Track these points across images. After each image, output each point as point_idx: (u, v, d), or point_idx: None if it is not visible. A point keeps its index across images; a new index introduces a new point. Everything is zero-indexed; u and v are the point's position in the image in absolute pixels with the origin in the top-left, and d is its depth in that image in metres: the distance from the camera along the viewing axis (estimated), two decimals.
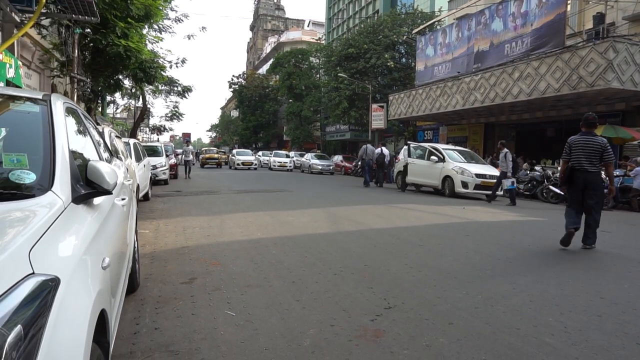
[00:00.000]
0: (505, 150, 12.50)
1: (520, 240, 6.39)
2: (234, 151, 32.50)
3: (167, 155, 16.75)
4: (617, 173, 12.88)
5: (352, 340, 2.71)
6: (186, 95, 24.23)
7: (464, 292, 3.74)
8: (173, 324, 2.90)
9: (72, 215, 1.51)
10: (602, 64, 12.91)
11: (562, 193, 12.72)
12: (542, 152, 18.61)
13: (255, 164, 30.53)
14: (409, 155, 15.70)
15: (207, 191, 12.97)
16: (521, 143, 22.23)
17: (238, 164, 29.37)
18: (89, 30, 10.78)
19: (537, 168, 15.22)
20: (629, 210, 11.92)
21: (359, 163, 21.70)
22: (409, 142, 17.64)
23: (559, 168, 8.50)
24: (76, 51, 10.26)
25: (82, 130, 2.54)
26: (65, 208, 1.48)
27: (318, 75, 41.51)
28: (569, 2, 16.53)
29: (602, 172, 6.30)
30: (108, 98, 22.66)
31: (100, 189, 1.79)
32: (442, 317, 3.14)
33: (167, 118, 29.57)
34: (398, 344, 2.68)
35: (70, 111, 2.31)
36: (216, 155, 32.11)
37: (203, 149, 40.07)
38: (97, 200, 1.91)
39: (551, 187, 13.31)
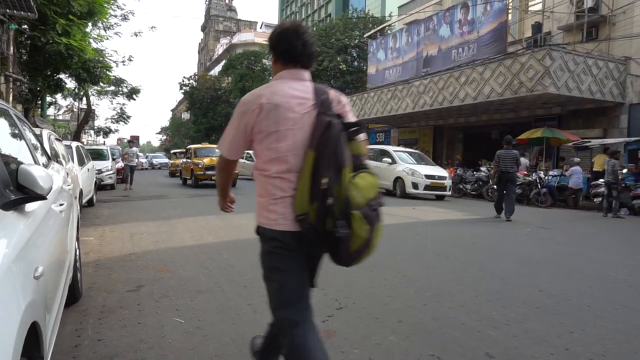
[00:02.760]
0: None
1: (466, 239, 6.65)
2: None
3: (113, 159, 16.07)
4: (555, 173, 13.71)
5: None
6: (134, 97, 23.38)
7: (413, 290, 3.84)
8: (118, 335, 2.78)
9: None
10: (540, 70, 13.69)
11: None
12: (488, 153, 19.47)
13: None
14: None
15: (156, 195, 12.57)
16: (468, 145, 23.17)
17: None
18: (26, 26, 10.18)
19: (482, 169, 15.90)
20: (565, 208, 12.70)
21: None
22: None
23: (492, 171, 11.76)
24: (11, 48, 9.65)
25: (15, 133, 2.39)
26: None
27: (271, 78, 41.25)
28: (509, 11, 17.43)
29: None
30: (49, 99, 21.44)
31: (33, 194, 1.68)
32: (392, 315, 3.20)
33: (114, 120, 28.41)
34: (349, 343, 2.71)
35: None
36: None
37: (192, 147, 18.46)
38: (31, 207, 1.80)
39: (495, 187, 13.92)
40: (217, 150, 16.27)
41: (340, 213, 1.56)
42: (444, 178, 13.77)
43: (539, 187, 12.95)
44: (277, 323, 1.78)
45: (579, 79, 14.13)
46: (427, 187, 13.40)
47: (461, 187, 15.69)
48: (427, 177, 13.46)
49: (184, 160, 18.31)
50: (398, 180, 13.98)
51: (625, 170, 12.19)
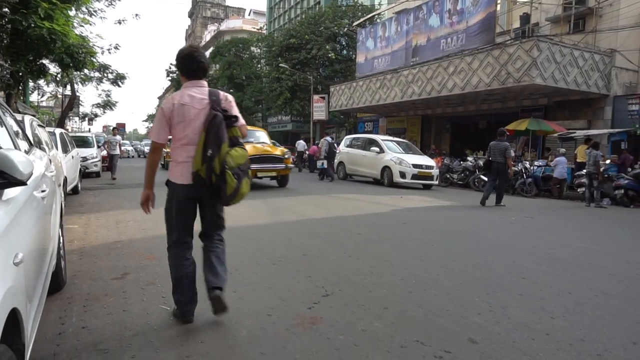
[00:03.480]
0: (327, 138, 15.87)
1: (452, 227, 6.72)
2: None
3: (99, 146, 15.83)
4: (540, 163, 13.88)
5: (289, 328, 2.73)
6: (119, 83, 22.91)
7: (399, 278, 3.88)
8: (102, 322, 2.76)
9: None
10: (527, 61, 13.78)
11: None
12: (475, 143, 19.61)
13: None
14: (349, 146, 16.03)
15: (142, 183, 12.42)
16: (455, 135, 23.32)
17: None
18: (6, 9, 9.89)
19: (469, 158, 16.02)
20: (550, 198, 12.89)
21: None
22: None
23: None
24: None
25: None
26: None
27: (259, 65, 40.92)
28: (498, 1, 17.46)
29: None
30: (31, 84, 20.92)
31: (12, 180, 1.65)
32: (377, 303, 3.23)
33: (99, 107, 27.88)
34: (334, 330, 2.73)
35: None
36: (279, 152, 12.10)
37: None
38: (10, 193, 1.77)
39: (482, 176, 14.06)
40: (259, 135, 13.02)
41: (219, 171, 2.52)
42: (431, 167, 13.85)
43: (525, 177, 13.12)
44: (168, 241, 2.87)
45: (565, 70, 14.26)
46: (414, 176, 13.48)
47: (448, 176, 15.81)
48: (415, 166, 13.52)
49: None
50: (386, 169, 14.03)
51: (608, 161, 12.39)
